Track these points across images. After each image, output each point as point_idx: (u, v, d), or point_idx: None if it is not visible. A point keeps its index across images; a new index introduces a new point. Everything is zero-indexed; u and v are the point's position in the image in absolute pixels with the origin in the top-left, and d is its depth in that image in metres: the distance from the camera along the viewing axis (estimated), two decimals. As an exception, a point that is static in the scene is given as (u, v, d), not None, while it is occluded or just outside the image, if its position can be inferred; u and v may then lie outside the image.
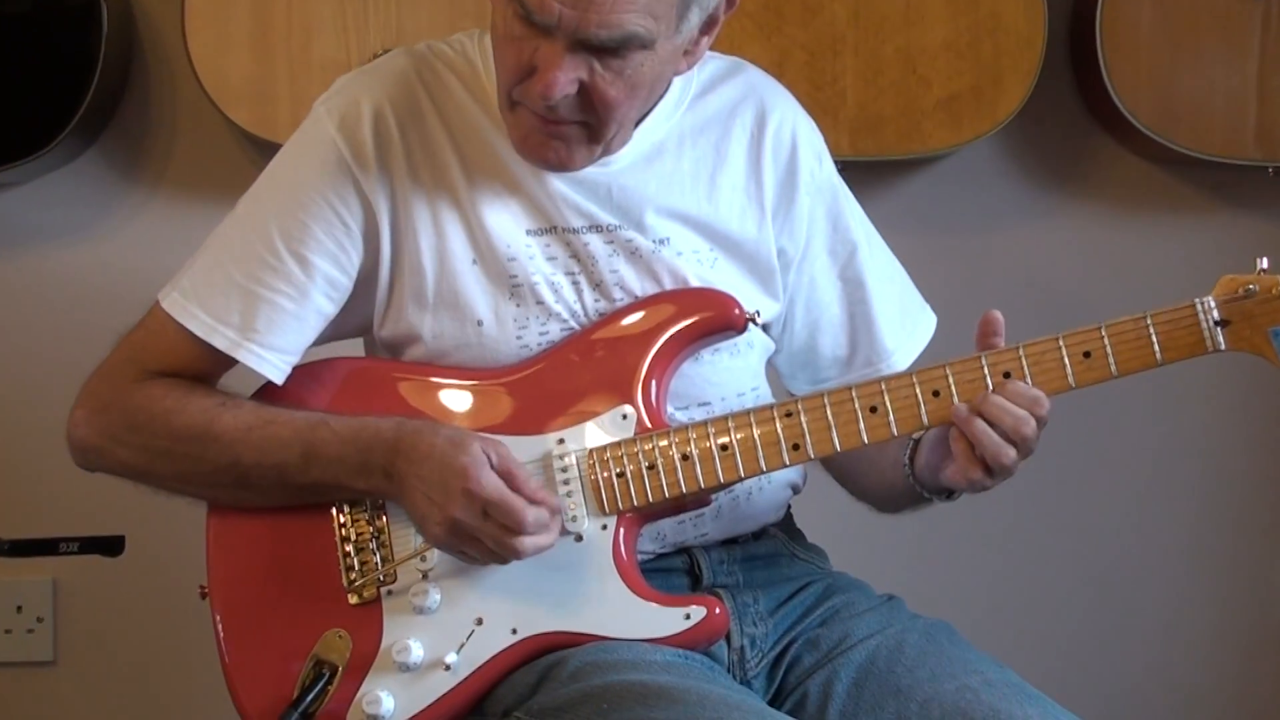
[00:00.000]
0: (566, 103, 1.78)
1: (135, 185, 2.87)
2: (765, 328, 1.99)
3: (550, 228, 1.91)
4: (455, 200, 1.89)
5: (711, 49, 1.92)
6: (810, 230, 2.01)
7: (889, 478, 1.98)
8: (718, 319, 1.90)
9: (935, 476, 1.88)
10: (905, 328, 2.06)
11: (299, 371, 1.91)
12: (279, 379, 1.89)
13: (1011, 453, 1.79)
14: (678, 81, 1.95)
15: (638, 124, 1.91)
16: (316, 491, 1.86)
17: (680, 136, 1.95)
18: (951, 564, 3.00)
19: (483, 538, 1.76)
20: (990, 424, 1.79)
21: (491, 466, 1.77)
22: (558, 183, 1.90)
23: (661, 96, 1.93)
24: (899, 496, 1.98)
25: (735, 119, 1.98)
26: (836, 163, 2.07)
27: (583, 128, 1.82)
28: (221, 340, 1.87)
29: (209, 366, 1.90)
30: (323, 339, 1.94)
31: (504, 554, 1.77)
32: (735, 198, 1.96)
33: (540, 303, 1.90)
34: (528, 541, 1.76)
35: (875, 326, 2.03)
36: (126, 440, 1.89)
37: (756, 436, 1.84)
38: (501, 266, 1.89)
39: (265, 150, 2.56)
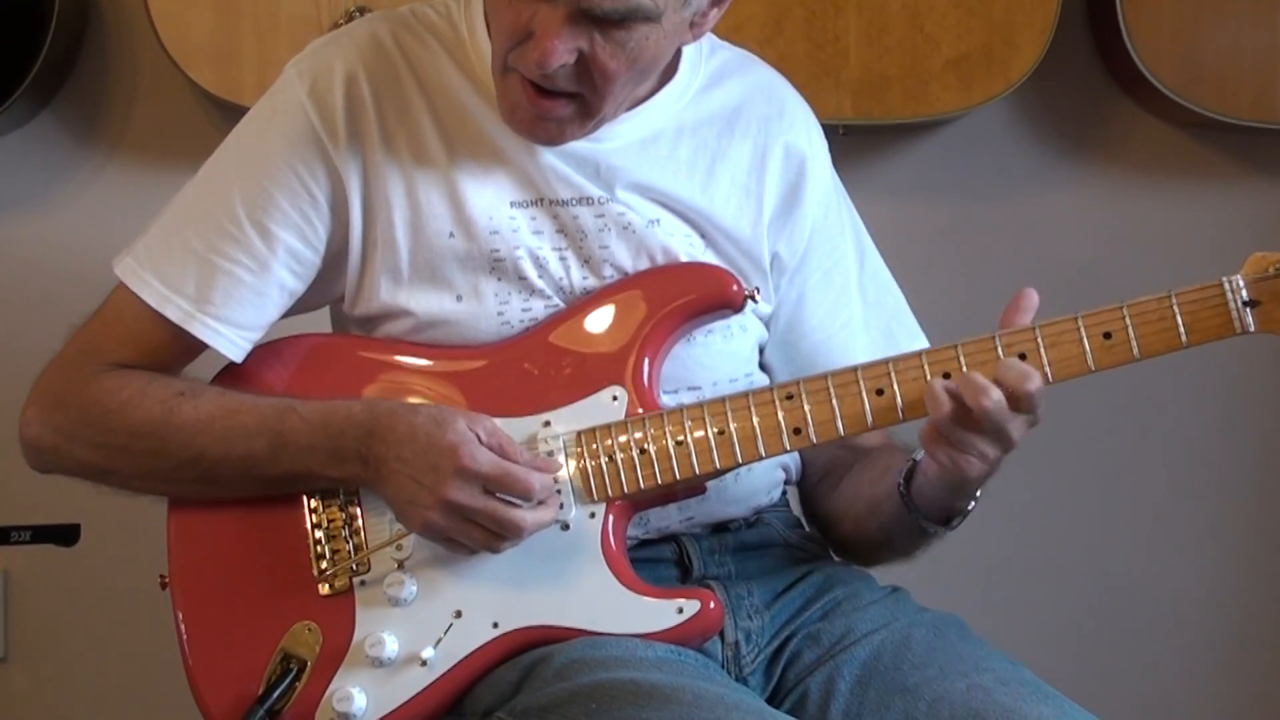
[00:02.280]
0: (563, 73, 1.77)
1: (91, 150, 2.86)
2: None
3: (537, 199, 1.90)
4: (432, 171, 1.89)
5: (710, 11, 1.90)
6: (809, 246, 2.00)
7: (884, 507, 1.94)
8: (715, 296, 1.90)
9: (938, 493, 1.86)
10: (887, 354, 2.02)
11: (263, 350, 1.91)
12: (237, 356, 1.88)
13: (995, 393, 1.73)
14: (684, 71, 1.94)
15: (640, 103, 1.90)
16: (287, 482, 1.85)
17: (679, 128, 1.94)
18: (961, 554, 2.98)
19: (480, 519, 1.76)
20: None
21: (482, 442, 1.76)
22: (546, 155, 1.89)
23: (671, 77, 1.92)
24: (892, 528, 1.95)
25: (740, 119, 1.97)
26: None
27: (576, 103, 1.81)
28: (174, 311, 1.86)
29: (168, 353, 1.89)
30: (288, 312, 1.93)
31: (504, 532, 1.77)
32: (733, 193, 1.96)
33: (523, 278, 1.89)
34: (529, 517, 1.76)
35: (855, 357, 1.97)
36: (83, 438, 1.88)
37: (755, 420, 1.83)
38: (482, 240, 1.89)
39: (229, 113, 2.55)
